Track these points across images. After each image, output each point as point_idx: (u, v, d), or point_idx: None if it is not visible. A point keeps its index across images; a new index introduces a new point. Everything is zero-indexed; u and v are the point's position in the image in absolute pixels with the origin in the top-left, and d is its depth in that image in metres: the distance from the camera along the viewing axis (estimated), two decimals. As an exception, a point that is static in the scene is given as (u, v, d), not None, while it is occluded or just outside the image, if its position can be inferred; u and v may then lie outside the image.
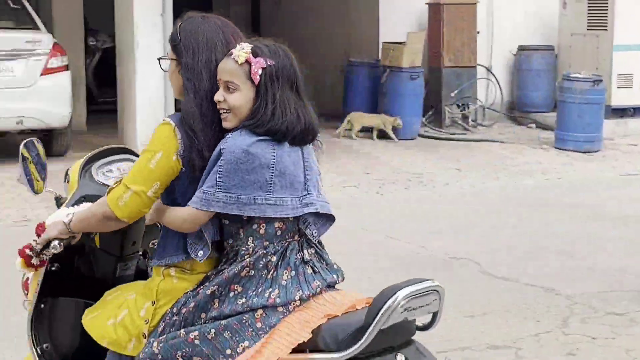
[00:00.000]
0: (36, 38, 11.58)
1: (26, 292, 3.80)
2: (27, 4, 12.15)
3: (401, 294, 3.05)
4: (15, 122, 10.96)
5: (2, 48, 11.12)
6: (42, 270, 3.62)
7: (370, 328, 3.03)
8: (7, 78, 11.03)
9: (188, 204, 3.18)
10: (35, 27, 11.87)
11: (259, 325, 3.14)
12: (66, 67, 11.72)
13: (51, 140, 11.89)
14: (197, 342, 3.16)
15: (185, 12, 3.37)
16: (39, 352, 3.72)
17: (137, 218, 3.27)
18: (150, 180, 3.19)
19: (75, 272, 3.75)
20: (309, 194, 3.25)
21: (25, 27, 11.88)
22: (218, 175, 3.14)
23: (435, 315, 3.24)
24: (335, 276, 3.29)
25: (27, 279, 3.79)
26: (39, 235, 3.43)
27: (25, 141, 3.79)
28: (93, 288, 3.67)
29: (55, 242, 3.39)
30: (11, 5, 12.05)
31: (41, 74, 11.45)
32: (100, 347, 3.41)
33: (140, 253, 3.84)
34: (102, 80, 15.84)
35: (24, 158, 3.75)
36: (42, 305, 3.71)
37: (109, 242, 3.71)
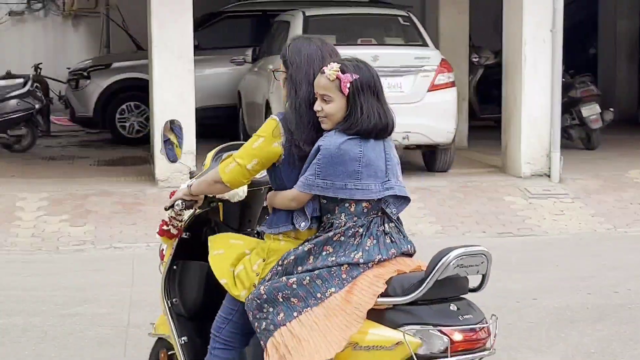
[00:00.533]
0: (424, 54, 11.75)
1: (161, 259, 4.80)
2: (416, 21, 12.35)
3: (453, 253, 3.91)
4: (401, 137, 11.12)
5: (391, 64, 11.32)
6: (176, 240, 4.64)
7: (428, 279, 3.88)
8: (395, 94, 11.19)
9: (294, 187, 4.11)
10: (424, 44, 12.03)
11: (344, 276, 4.02)
12: (452, 84, 11.79)
13: (435, 156, 12.01)
14: (294, 286, 4.04)
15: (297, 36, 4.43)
16: (169, 304, 4.70)
17: (237, 186, 4.28)
18: (251, 157, 4.15)
19: (201, 241, 4.59)
20: (389, 180, 4.11)
21: (414, 43, 12.09)
22: (317, 166, 4.05)
23: (484, 277, 4.05)
24: (409, 247, 4.16)
25: (162, 250, 4.81)
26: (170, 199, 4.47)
27: (167, 121, 4.78)
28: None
29: (179, 201, 4.41)
30: (401, 22, 12.29)
31: (428, 90, 11.58)
32: (217, 304, 4.34)
33: (256, 232, 4.66)
34: (484, 96, 15.84)
35: (166, 136, 4.74)
36: (175, 267, 4.71)
37: (230, 217, 4.66)
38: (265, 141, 4.17)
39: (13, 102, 14.13)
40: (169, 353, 4.84)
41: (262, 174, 4.40)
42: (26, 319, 7.16)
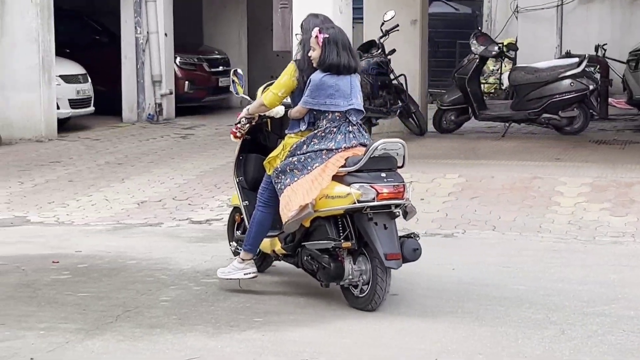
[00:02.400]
0: None
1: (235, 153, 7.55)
2: None
3: (380, 141, 6.61)
4: None
5: None
6: (241, 140, 7.34)
7: (364, 157, 6.55)
8: None
9: (298, 104, 6.77)
10: None
11: (324, 157, 6.65)
12: None
13: None
14: (296, 162, 6.72)
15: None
16: (237, 180, 7.45)
17: (274, 106, 6.99)
18: (280, 87, 6.87)
19: (258, 142, 7.42)
20: (352, 99, 6.73)
21: None
22: (309, 91, 6.69)
23: (404, 158, 6.74)
24: (366, 139, 6.77)
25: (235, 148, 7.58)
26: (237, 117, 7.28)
27: (234, 70, 7.70)
28: (266, 150, 7.16)
29: (243, 118, 7.16)
30: None
31: None
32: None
33: None
34: None
35: (232, 80, 7.57)
36: (241, 158, 7.46)
37: (275, 127, 7.33)
38: (288, 77, 6.84)
39: (566, 82, 13.61)
40: (241, 216, 7.54)
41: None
42: (545, 314, 6.57)
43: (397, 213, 6.61)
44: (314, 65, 6.69)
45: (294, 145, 6.72)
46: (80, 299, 7.06)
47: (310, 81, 6.65)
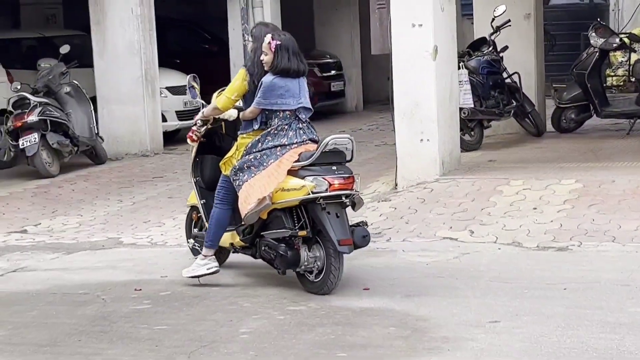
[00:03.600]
0: None
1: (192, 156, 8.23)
2: None
3: (330, 137, 7.17)
4: None
5: None
6: (197, 143, 7.99)
7: (316, 152, 7.14)
8: None
9: (251, 105, 7.33)
10: None
11: (278, 153, 7.27)
12: None
13: None
14: (252, 159, 7.33)
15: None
16: (195, 181, 8.15)
17: (227, 109, 7.58)
18: (233, 92, 7.45)
19: (213, 144, 8.04)
20: (300, 99, 7.33)
21: None
22: (260, 92, 7.25)
23: (352, 152, 7.28)
24: (315, 136, 7.41)
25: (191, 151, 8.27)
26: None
27: (190, 75, 8.31)
28: (221, 151, 7.82)
29: (199, 120, 7.79)
30: None
31: None
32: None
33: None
34: None
35: (192, 86, 8.24)
36: (197, 159, 8.13)
37: (229, 129, 7.92)
38: (240, 82, 7.36)
39: None
40: (198, 215, 8.17)
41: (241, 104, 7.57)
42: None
43: (347, 203, 7.16)
44: (266, 68, 7.26)
45: (249, 144, 7.31)
46: (155, 332, 6.57)
47: (262, 84, 7.21)
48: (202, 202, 8.06)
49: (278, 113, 7.28)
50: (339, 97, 19.34)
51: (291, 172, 7.20)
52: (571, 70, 13.23)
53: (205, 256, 7.72)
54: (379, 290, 7.30)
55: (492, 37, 12.75)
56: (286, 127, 7.30)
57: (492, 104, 12.38)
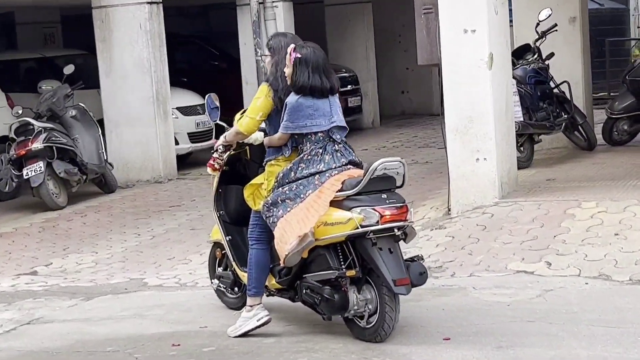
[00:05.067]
0: None
1: (211, 186, 7.26)
2: None
3: (379, 161, 6.20)
4: None
5: None
6: (219, 172, 7.04)
7: (364, 179, 6.17)
8: None
9: (279, 131, 6.43)
10: None
11: (316, 182, 6.30)
12: None
13: None
14: (287, 192, 6.35)
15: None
16: (218, 215, 7.16)
17: (251, 133, 6.59)
18: (257, 111, 6.49)
19: (237, 172, 7.09)
20: (333, 117, 6.40)
21: None
22: (286, 115, 6.35)
23: (403, 176, 6.32)
24: (354, 157, 6.47)
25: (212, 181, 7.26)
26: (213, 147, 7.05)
27: (209, 95, 7.19)
28: (246, 180, 6.83)
29: (220, 146, 6.83)
30: None
31: None
32: (249, 211, 6.71)
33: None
34: None
35: (212, 102, 7.13)
36: (220, 190, 7.17)
37: (255, 155, 6.91)
38: (264, 99, 6.49)
39: None
40: (222, 252, 7.32)
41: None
42: None
43: (401, 236, 6.22)
44: (288, 82, 6.45)
45: (280, 175, 6.45)
46: (205, 403, 5.47)
47: (286, 105, 6.37)
48: (227, 239, 7.12)
49: (309, 136, 6.38)
50: (356, 113, 18.26)
51: (334, 203, 6.25)
52: (623, 78, 12.15)
53: (251, 306, 6.67)
54: (462, 340, 6.20)
55: (537, 44, 11.69)
56: (320, 150, 6.38)
57: (542, 116, 11.28)
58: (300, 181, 6.34)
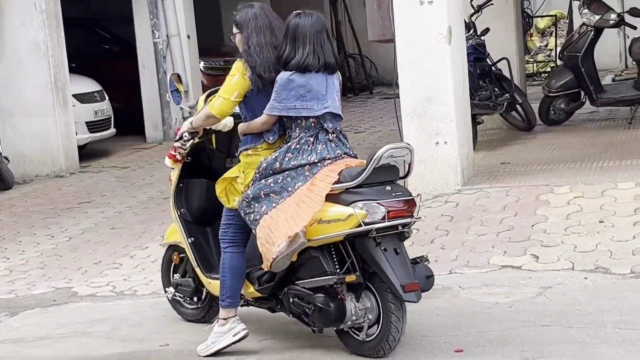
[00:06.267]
0: None
1: (170, 181, 6.27)
2: None
3: (385, 147, 5.27)
4: None
5: None
6: (180, 164, 6.08)
7: (368, 167, 5.24)
8: None
9: (263, 112, 5.47)
10: None
11: (307, 173, 5.39)
12: None
13: None
14: (272, 185, 5.43)
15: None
16: (179, 214, 6.18)
17: (224, 116, 5.64)
18: (232, 90, 5.50)
19: (200, 163, 6.17)
20: (327, 102, 5.45)
21: None
22: (275, 94, 5.43)
23: (409, 165, 5.43)
24: (349, 150, 5.55)
25: (170, 175, 6.25)
26: (176, 134, 6.00)
27: (172, 73, 6.41)
28: (211, 173, 6.03)
29: (186, 134, 5.86)
30: None
31: None
32: (214, 210, 5.88)
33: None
34: None
35: (172, 84, 6.18)
36: (181, 185, 6.20)
37: (221, 144, 6.10)
38: (239, 77, 5.50)
39: None
40: (181, 256, 6.38)
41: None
42: None
43: (407, 234, 5.41)
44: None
45: (263, 165, 5.52)
46: None
47: (276, 82, 5.44)
48: (190, 241, 6.16)
49: (299, 121, 5.47)
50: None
51: (330, 197, 5.33)
52: (561, 53, 11.55)
53: (225, 319, 5.73)
54: (477, 351, 5.41)
55: (473, 19, 10.98)
56: (311, 139, 5.47)
57: (486, 95, 10.56)
58: (287, 172, 5.45)
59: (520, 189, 8.24)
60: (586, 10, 11.22)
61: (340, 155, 5.50)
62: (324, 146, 5.46)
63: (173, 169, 6.22)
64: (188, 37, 15.20)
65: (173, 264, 6.51)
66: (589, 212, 7.61)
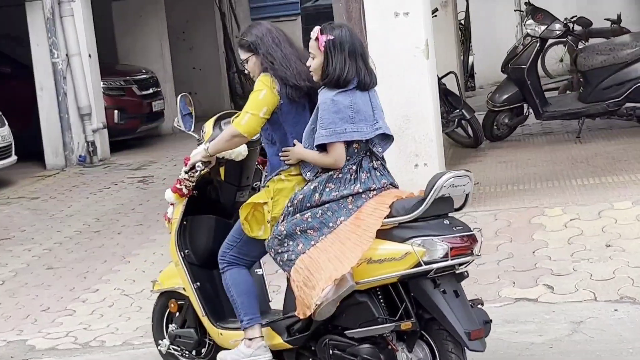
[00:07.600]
0: None
1: (166, 220, 5.49)
2: None
3: (446, 176, 4.66)
4: None
5: None
6: (186, 198, 5.33)
7: (428, 198, 4.61)
8: None
9: (315, 141, 4.81)
10: None
11: (350, 206, 4.77)
12: None
13: None
14: (309, 219, 4.77)
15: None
16: (182, 255, 5.40)
17: (253, 134, 4.97)
18: (261, 106, 4.91)
19: (206, 198, 5.44)
20: (377, 122, 4.85)
21: None
22: (320, 120, 4.78)
23: (467, 195, 4.78)
24: (393, 180, 4.92)
25: (166, 213, 5.48)
26: (185, 164, 5.20)
27: (182, 94, 5.46)
28: (219, 209, 5.43)
29: (199, 163, 5.12)
30: None
31: None
32: None
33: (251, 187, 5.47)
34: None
35: (185, 107, 5.39)
36: (185, 222, 5.43)
37: (231, 175, 5.39)
38: (268, 91, 4.92)
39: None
40: (179, 303, 5.56)
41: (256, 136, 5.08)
42: None
43: (466, 274, 4.82)
44: (315, 78, 4.90)
45: (299, 197, 4.86)
46: None
47: (319, 107, 4.82)
48: (195, 287, 5.40)
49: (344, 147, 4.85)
50: (159, 119, 16.43)
51: (379, 234, 4.68)
52: (505, 66, 11.10)
53: (250, 340, 5.10)
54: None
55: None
56: (355, 167, 4.85)
57: (441, 111, 10.01)
58: (327, 205, 4.81)
59: (508, 212, 7.71)
60: (530, 21, 10.80)
61: (386, 186, 4.89)
62: (368, 175, 4.86)
63: (172, 204, 5.45)
64: (89, 55, 14.32)
65: (167, 312, 5.72)
66: (592, 236, 7.13)
